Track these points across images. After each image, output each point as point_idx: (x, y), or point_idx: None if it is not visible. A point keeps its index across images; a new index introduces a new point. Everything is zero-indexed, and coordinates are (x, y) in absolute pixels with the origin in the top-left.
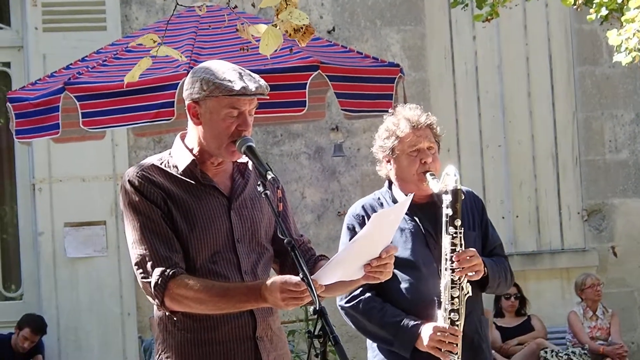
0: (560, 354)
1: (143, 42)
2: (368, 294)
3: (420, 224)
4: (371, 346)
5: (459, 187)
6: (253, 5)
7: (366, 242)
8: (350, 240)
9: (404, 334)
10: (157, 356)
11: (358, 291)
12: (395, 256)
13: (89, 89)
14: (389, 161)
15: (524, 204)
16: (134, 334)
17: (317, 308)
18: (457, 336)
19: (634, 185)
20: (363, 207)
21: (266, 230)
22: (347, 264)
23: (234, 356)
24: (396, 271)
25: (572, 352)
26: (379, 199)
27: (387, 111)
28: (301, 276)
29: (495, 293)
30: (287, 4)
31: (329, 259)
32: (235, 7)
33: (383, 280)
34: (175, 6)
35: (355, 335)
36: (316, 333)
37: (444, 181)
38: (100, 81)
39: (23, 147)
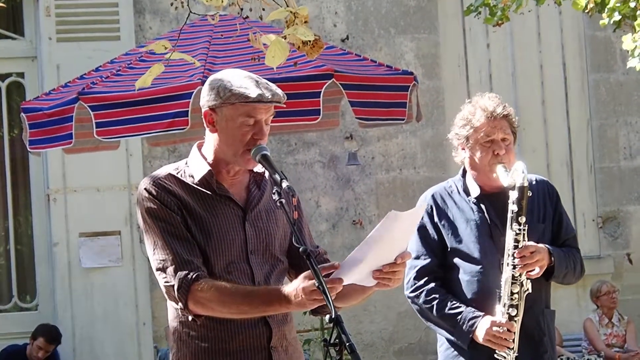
0: None
1: (154, 48)
2: (432, 284)
3: (487, 215)
4: (438, 335)
5: (525, 185)
6: (260, 18)
7: (379, 244)
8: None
9: (462, 326)
10: None
11: (422, 281)
12: (458, 248)
13: (103, 99)
14: (463, 149)
15: None
16: (150, 344)
17: (333, 316)
18: (513, 332)
19: None
20: (433, 195)
21: (281, 242)
22: (361, 265)
23: None
24: (459, 262)
25: (588, 359)
26: (450, 186)
27: (401, 119)
28: (317, 284)
29: (562, 283)
30: (295, 17)
31: None
32: (247, 17)
33: (393, 287)
34: (189, 14)
35: (371, 344)
36: (332, 341)
37: (512, 176)
38: (114, 91)
39: (38, 157)
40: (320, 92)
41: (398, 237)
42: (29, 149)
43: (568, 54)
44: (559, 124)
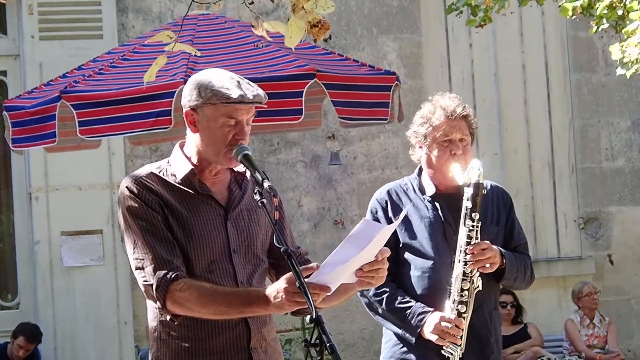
0: None
1: (160, 38)
2: None
3: (441, 213)
4: (385, 331)
5: (481, 181)
6: (272, 0)
7: (359, 253)
8: None
9: (411, 320)
10: None
11: None
12: (410, 243)
13: (86, 98)
14: (421, 147)
15: (520, 212)
16: (131, 343)
17: (314, 316)
18: (461, 328)
19: (631, 193)
20: (388, 191)
21: (262, 242)
22: (342, 271)
23: None
24: (410, 257)
25: None
26: (406, 184)
27: (384, 119)
28: (298, 284)
29: (512, 287)
30: None
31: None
32: (252, 2)
33: (376, 286)
34: (191, 3)
35: (352, 344)
36: (313, 342)
37: (468, 174)
38: (97, 89)
39: (20, 155)
40: (303, 91)
41: (374, 245)
42: (11, 148)
43: (550, 54)
44: (541, 124)
